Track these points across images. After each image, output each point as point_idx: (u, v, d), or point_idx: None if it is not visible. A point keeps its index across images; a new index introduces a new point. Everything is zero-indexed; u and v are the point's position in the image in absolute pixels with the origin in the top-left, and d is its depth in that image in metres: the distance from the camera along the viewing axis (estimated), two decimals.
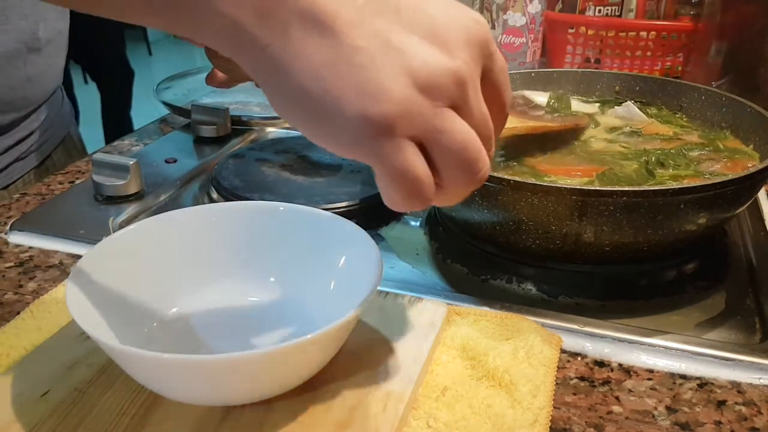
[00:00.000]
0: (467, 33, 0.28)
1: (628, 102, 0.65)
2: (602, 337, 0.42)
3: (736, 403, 0.37)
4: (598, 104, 0.67)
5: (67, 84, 2.42)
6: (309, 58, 0.26)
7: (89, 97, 2.60)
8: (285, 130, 0.80)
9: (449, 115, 0.27)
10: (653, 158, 0.53)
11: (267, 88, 0.28)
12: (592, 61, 0.87)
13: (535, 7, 0.83)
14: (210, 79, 0.60)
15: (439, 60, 0.27)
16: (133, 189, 0.60)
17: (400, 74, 0.26)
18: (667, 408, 0.37)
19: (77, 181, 0.65)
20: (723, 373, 0.39)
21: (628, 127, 0.61)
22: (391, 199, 0.29)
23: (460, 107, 0.28)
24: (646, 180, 0.50)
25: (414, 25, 0.27)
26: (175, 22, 0.27)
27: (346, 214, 0.41)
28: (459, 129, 0.28)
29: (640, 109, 0.63)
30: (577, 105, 0.66)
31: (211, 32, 0.27)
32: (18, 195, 0.62)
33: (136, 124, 2.51)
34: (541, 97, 0.67)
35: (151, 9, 0.27)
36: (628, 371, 0.39)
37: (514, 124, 0.56)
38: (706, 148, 0.56)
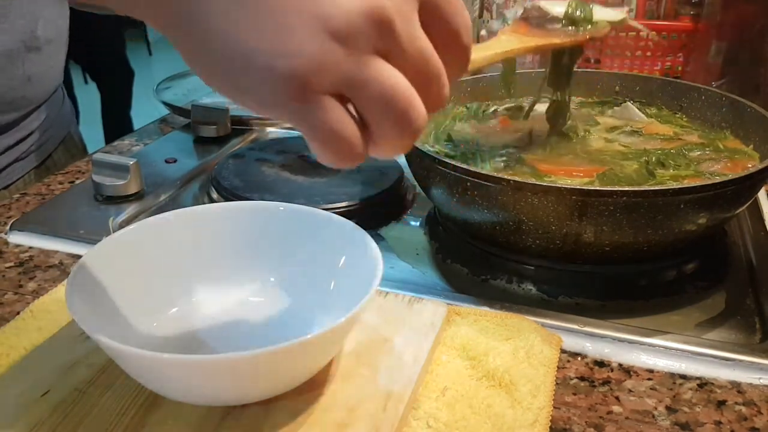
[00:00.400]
0: None
1: (628, 102, 0.65)
2: (602, 337, 0.42)
3: (736, 403, 0.37)
4: (597, 104, 0.67)
5: (67, 84, 2.42)
6: (225, 14, 0.25)
7: (89, 97, 2.60)
8: (285, 130, 0.80)
9: (372, 62, 0.25)
10: (653, 158, 0.53)
11: (186, 50, 0.27)
12: (592, 61, 0.87)
13: None
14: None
15: (359, 3, 0.24)
16: (133, 189, 0.60)
17: (311, 21, 0.24)
18: (667, 408, 0.37)
19: (77, 181, 0.65)
20: (723, 373, 0.39)
21: (628, 127, 0.61)
22: (321, 158, 0.27)
23: (388, 50, 0.26)
24: (647, 180, 0.50)
25: None
26: None
27: (346, 214, 0.41)
28: (385, 77, 0.25)
29: (639, 109, 0.63)
30: (601, 13, 0.58)
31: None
32: (18, 195, 0.62)
33: (136, 124, 2.51)
34: (558, 7, 0.58)
35: None
36: (628, 371, 0.39)
37: (514, 44, 0.53)
38: (707, 149, 0.56)
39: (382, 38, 0.25)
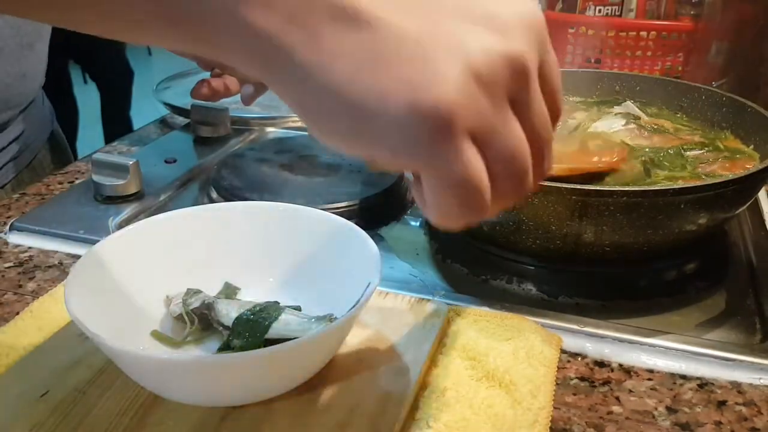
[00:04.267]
0: (524, 18, 0.24)
1: (628, 102, 0.65)
2: (602, 337, 0.42)
3: (737, 403, 0.37)
4: (598, 104, 0.66)
5: (67, 84, 2.43)
6: (345, 59, 0.22)
7: (89, 97, 2.60)
8: (285, 130, 0.79)
9: (508, 113, 0.24)
10: (650, 158, 0.53)
11: (299, 106, 0.24)
12: (592, 61, 0.87)
13: None
14: (195, 93, 0.61)
15: (497, 44, 0.23)
16: (132, 189, 0.60)
17: (455, 60, 0.22)
18: (668, 408, 0.37)
19: (77, 181, 0.65)
20: (723, 374, 0.39)
21: (631, 124, 0.60)
22: (445, 213, 0.24)
23: (520, 102, 0.24)
24: (643, 180, 0.50)
25: (463, 11, 0.23)
26: (192, 37, 0.24)
27: (346, 214, 0.41)
28: (517, 131, 0.24)
29: (640, 109, 0.63)
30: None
31: (234, 46, 0.24)
32: (17, 195, 0.62)
33: (136, 124, 2.51)
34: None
35: (163, 22, 0.23)
36: (628, 371, 0.39)
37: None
38: (706, 148, 0.56)
39: (520, 88, 0.24)
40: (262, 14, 0.22)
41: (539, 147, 0.25)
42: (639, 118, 0.59)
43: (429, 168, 0.24)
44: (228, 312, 0.37)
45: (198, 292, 0.39)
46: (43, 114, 0.77)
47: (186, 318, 0.38)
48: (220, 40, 0.24)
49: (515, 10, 0.24)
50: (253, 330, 0.36)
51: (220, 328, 0.37)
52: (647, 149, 0.55)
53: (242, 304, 0.38)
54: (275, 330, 0.36)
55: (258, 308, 0.37)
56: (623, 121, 0.59)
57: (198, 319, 0.38)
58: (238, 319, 0.37)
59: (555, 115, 0.26)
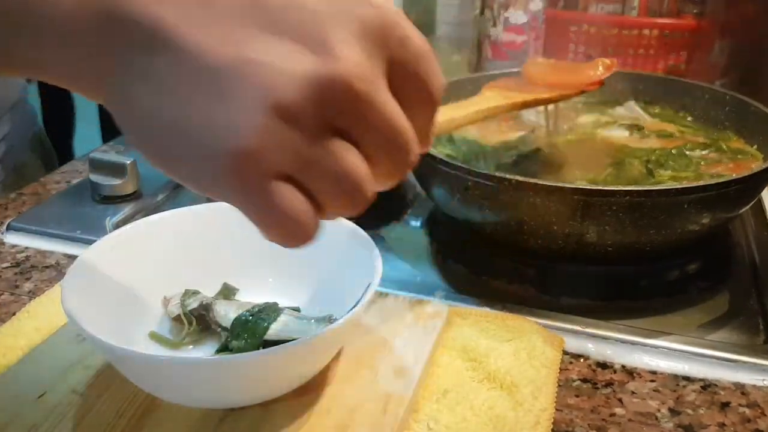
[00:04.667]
0: (358, 23, 0.22)
1: (631, 101, 0.64)
2: (605, 338, 0.41)
3: (740, 404, 0.37)
4: (600, 104, 0.66)
5: None
6: (153, 85, 0.21)
7: None
8: None
9: (325, 144, 0.22)
10: (654, 158, 0.53)
11: (121, 123, 0.23)
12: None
13: (536, 5, 0.82)
14: None
15: (311, 69, 0.21)
16: (130, 189, 0.59)
17: (257, 97, 0.20)
18: (671, 410, 0.36)
19: (74, 181, 0.64)
20: (726, 375, 0.39)
21: (633, 131, 0.60)
22: (267, 238, 0.24)
23: (349, 123, 0.22)
24: (646, 180, 0.50)
25: (280, 23, 0.21)
26: (7, 62, 0.23)
27: None
28: (338, 157, 0.22)
29: (642, 108, 0.63)
30: None
31: (48, 70, 0.23)
32: (14, 194, 0.61)
33: None
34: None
35: None
36: (630, 373, 0.39)
37: (499, 101, 0.51)
38: (709, 149, 0.55)
39: (340, 112, 0.22)
40: (76, 32, 0.22)
41: (392, 151, 0.23)
42: (643, 128, 0.59)
43: (242, 208, 0.23)
44: (226, 313, 0.37)
45: (196, 292, 0.39)
46: (26, 117, 0.76)
47: (184, 319, 0.37)
48: (38, 62, 0.23)
49: (349, 13, 0.22)
50: (252, 331, 0.35)
51: (219, 329, 0.37)
52: (650, 149, 0.55)
53: (241, 304, 0.38)
54: (274, 331, 0.35)
55: (257, 309, 0.37)
56: (627, 132, 0.59)
57: (196, 320, 0.38)
58: (237, 320, 0.36)
59: (427, 103, 0.25)
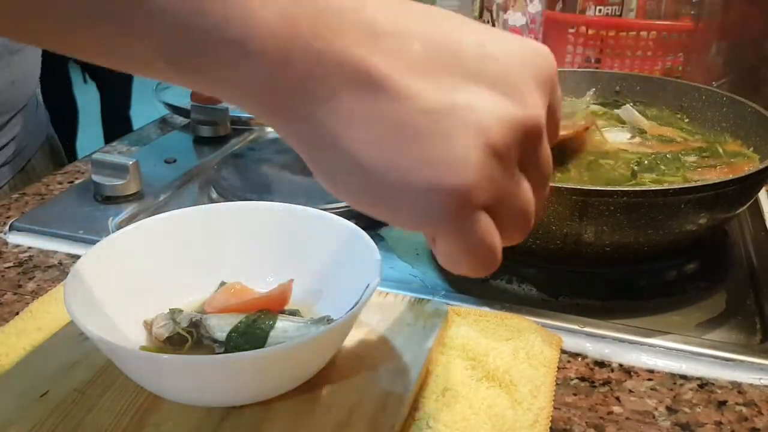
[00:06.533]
0: (537, 72, 0.25)
1: (628, 105, 0.64)
2: (603, 337, 0.42)
3: (737, 403, 0.37)
4: (598, 105, 0.66)
5: (67, 84, 2.42)
6: (364, 126, 0.22)
7: (89, 97, 2.60)
8: None
9: (519, 175, 0.25)
10: (646, 162, 0.53)
11: (311, 160, 0.24)
12: (593, 60, 0.86)
13: (535, 7, 0.83)
14: (195, 94, 0.60)
15: (512, 114, 0.23)
16: (132, 189, 0.60)
17: (473, 136, 0.23)
18: (668, 408, 0.37)
19: (76, 181, 0.65)
20: (723, 374, 0.39)
21: (633, 136, 0.60)
22: (458, 267, 0.25)
23: (530, 159, 0.25)
24: (627, 181, 0.50)
25: (480, 74, 0.23)
26: (197, 78, 0.23)
27: (346, 214, 0.41)
28: (527, 194, 0.25)
29: (640, 111, 0.63)
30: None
31: (241, 92, 0.23)
32: (17, 195, 0.62)
33: (136, 124, 2.50)
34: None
35: (172, 68, 0.23)
36: (628, 371, 0.39)
37: None
38: (703, 153, 0.55)
39: (530, 149, 0.24)
40: (272, 65, 0.22)
41: (543, 189, 0.26)
42: (644, 132, 0.59)
43: (445, 237, 0.24)
44: (219, 325, 0.36)
45: (180, 311, 0.38)
46: (38, 119, 0.76)
47: (185, 335, 0.37)
48: (225, 84, 0.23)
49: (529, 62, 0.24)
50: (252, 341, 0.35)
51: (215, 344, 0.36)
52: (646, 153, 0.55)
53: (232, 315, 0.37)
54: (273, 338, 0.35)
55: (252, 318, 0.36)
56: (628, 135, 0.59)
57: (189, 338, 0.37)
58: (235, 331, 0.36)
59: (553, 141, 0.27)
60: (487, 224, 0.24)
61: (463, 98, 0.23)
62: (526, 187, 0.25)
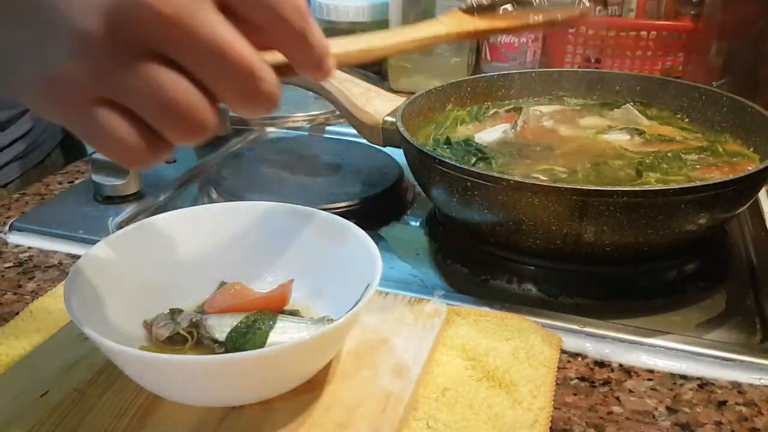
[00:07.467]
0: None
1: (628, 105, 0.64)
2: (602, 337, 0.42)
3: (737, 403, 0.37)
4: (598, 105, 0.66)
5: None
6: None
7: None
8: (285, 130, 0.79)
9: (139, 68, 0.23)
10: (648, 161, 0.53)
11: None
12: (593, 61, 0.87)
13: None
14: None
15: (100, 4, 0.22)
16: (132, 189, 0.60)
17: (64, 28, 0.23)
18: (668, 408, 0.37)
19: (76, 181, 0.65)
20: (723, 374, 0.39)
21: (629, 134, 0.60)
22: (110, 157, 0.26)
23: (167, 48, 0.23)
24: (634, 180, 0.50)
25: None
26: None
27: (346, 214, 0.41)
28: (156, 85, 0.23)
29: (640, 111, 0.63)
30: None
31: None
32: (17, 195, 0.62)
33: None
34: None
35: None
36: (628, 371, 0.39)
37: (450, 28, 0.45)
38: (704, 152, 0.55)
39: (151, 38, 0.22)
40: None
41: (229, 76, 0.24)
42: (644, 132, 0.59)
43: (74, 132, 0.25)
44: (219, 325, 0.36)
45: (180, 311, 0.38)
46: None
47: (186, 335, 0.37)
48: None
49: None
50: (252, 342, 0.35)
51: (215, 344, 0.36)
52: (647, 153, 0.55)
53: (232, 315, 0.37)
54: (273, 339, 0.35)
55: (252, 319, 0.36)
56: (629, 136, 0.59)
57: (190, 338, 0.37)
58: (234, 332, 0.36)
59: (283, 21, 0.24)
60: (105, 118, 0.24)
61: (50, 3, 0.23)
62: (158, 79, 0.23)
